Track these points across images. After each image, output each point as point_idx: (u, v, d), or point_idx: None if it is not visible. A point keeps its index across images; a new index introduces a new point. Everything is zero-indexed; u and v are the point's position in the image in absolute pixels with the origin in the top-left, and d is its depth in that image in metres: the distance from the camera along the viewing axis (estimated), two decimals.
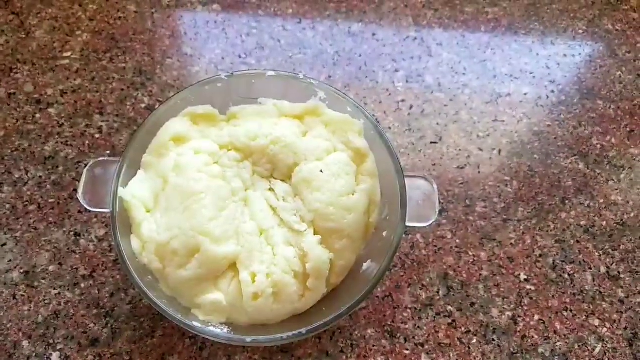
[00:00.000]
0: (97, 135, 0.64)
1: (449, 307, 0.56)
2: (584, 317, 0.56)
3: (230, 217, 0.47)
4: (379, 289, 0.57)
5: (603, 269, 0.60)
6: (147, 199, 0.48)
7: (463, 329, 0.55)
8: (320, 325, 0.44)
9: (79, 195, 0.48)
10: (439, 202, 0.52)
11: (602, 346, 0.55)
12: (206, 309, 0.46)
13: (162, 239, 0.46)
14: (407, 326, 0.55)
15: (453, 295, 0.57)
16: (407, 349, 0.54)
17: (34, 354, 0.51)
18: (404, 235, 0.53)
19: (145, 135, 0.50)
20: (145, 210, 0.48)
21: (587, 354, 0.54)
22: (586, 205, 0.64)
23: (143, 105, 0.67)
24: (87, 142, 0.64)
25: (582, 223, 0.63)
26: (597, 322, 0.56)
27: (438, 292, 0.57)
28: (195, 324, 0.45)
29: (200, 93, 0.53)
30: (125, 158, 0.49)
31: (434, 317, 0.55)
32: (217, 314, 0.46)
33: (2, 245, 0.57)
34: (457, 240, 0.60)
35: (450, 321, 0.55)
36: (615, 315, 0.57)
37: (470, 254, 0.59)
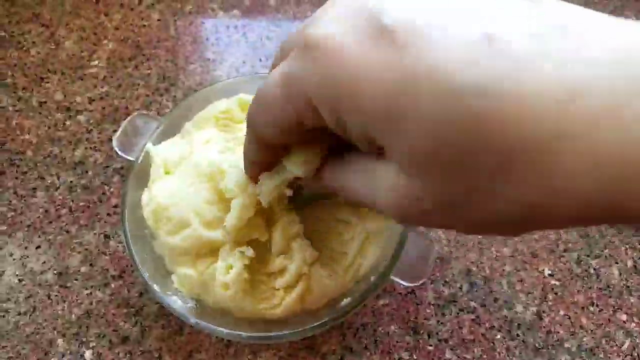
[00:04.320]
0: None
1: (472, 303, 0.56)
2: (611, 311, 0.56)
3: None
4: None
5: (630, 263, 0.59)
6: (170, 162, 0.50)
7: (487, 324, 0.55)
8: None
9: (114, 139, 0.53)
10: None
11: (631, 341, 0.54)
12: (180, 279, 0.48)
13: (163, 202, 0.47)
14: (430, 322, 0.55)
15: (476, 291, 0.57)
16: (431, 345, 0.54)
17: (68, 352, 0.53)
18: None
19: (194, 102, 0.53)
20: (165, 171, 0.49)
21: (614, 349, 0.54)
22: None
23: (167, 111, 0.69)
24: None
25: None
26: (624, 317, 0.56)
27: (461, 288, 0.57)
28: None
29: (254, 83, 0.54)
30: (167, 118, 0.52)
31: (457, 313, 0.55)
32: (189, 287, 0.47)
33: (37, 248, 0.59)
34: (480, 236, 0.60)
35: (473, 317, 0.55)
36: None
37: (493, 249, 0.59)
